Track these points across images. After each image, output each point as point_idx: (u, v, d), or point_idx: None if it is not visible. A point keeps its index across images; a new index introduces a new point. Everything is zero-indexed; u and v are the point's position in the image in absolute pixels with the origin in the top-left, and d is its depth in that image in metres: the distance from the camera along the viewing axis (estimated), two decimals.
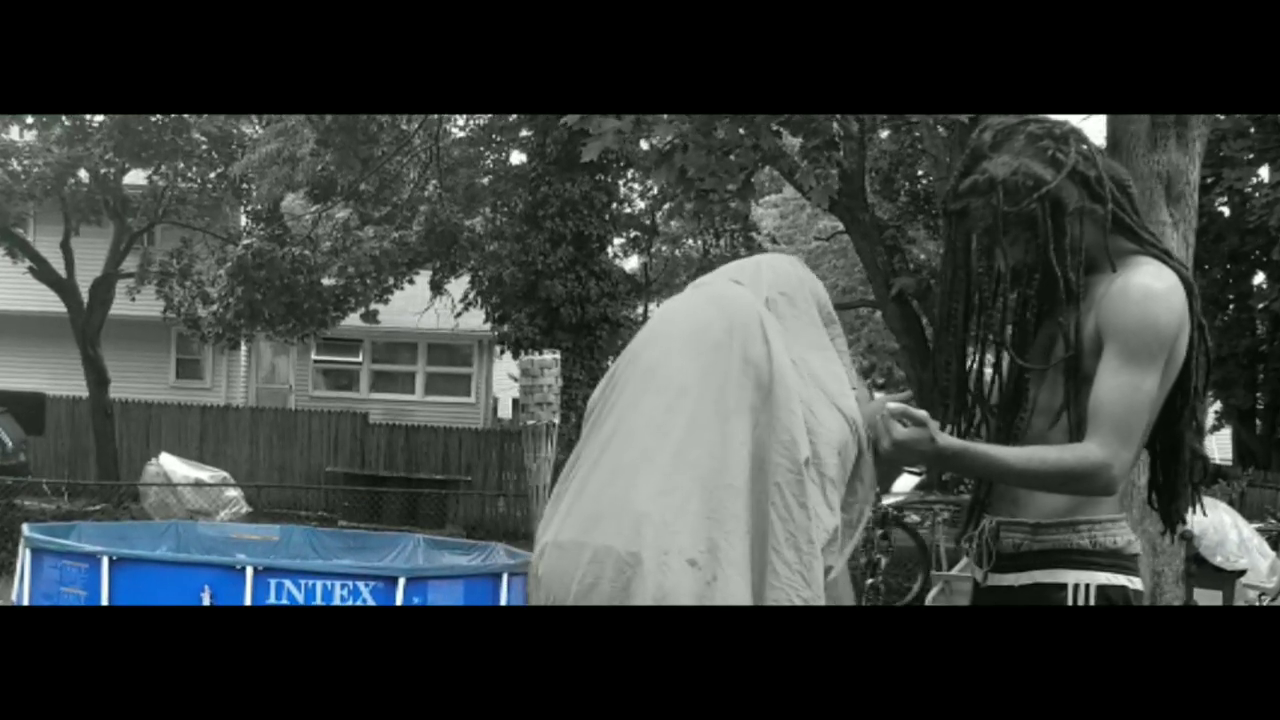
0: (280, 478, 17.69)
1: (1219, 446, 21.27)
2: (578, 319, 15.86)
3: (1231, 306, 16.90)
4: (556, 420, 8.46)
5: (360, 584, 5.75)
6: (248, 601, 5.53)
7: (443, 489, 16.41)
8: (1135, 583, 2.39)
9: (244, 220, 18.44)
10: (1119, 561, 2.37)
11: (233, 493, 14.72)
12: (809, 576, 2.22)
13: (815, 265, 18.91)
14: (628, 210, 19.05)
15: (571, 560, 2.24)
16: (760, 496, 2.22)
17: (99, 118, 15.10)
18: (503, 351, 18.86)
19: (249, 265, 15.64)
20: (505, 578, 6.15)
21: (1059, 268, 2.35)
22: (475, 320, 18.79)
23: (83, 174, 16.50)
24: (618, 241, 18.93)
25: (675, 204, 9.51)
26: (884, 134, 13.81)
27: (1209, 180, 13.74)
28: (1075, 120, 2.52)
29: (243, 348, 20.79)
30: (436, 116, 15.10)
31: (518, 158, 17.89)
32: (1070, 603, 2.34)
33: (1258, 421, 17.88)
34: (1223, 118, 12.56)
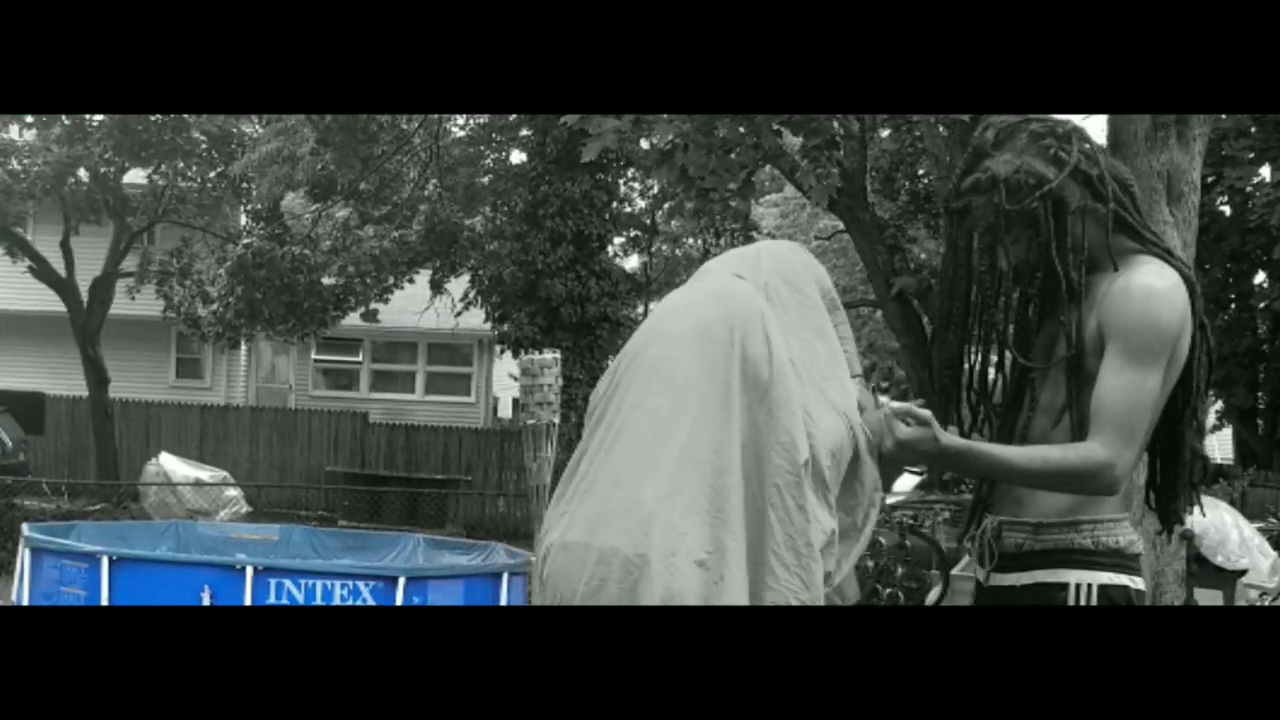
0: (280, 477, 17.70)
1: (1220, 446, 21.28)
2: (578, 318, 15.86)
3: (1232, 306, 16.91)
4: (557, 420, 8.45)
5: (360, 584, 5.75)
6: (248, 601, 5.52)
7: (443, 489, 16.42)
8: (1137, 582, 2.38)
9: (244, 219, 18.44)
10: (1121, 561, 2.36)
11: (232, 492, 14.72)
12: (807, 579, 2.22)
13: None
14: (628, 209, 19.06)
15: (578, 562, 2.24)
16: (756, 496, 2.22)
17: (99, 117, 15.10)
18: (503, 351, 18.88)
19: (249, 264, 15.64)
20: (505, 577, 6.14)
21: (1061, 266, 2.34)
22: (475, 320, 18.80)
23: (82, 173, 16.51)
24: (618, 241, 18.96)
25: (676, 203, 9.50)
26: (884, 133, 13.82)
27: (1210, 179, 13.74)
28: (1076, 119, 2.52)
29: (243, 347, 20.80)
30: (436, 116, 15.10)
31: (518, 157, 17.90)
32: (1072, 602, 2.34)
33: (1259, 421, 17.88)
34: (1224, 117, 12.56)
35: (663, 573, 2.15)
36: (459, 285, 18.26)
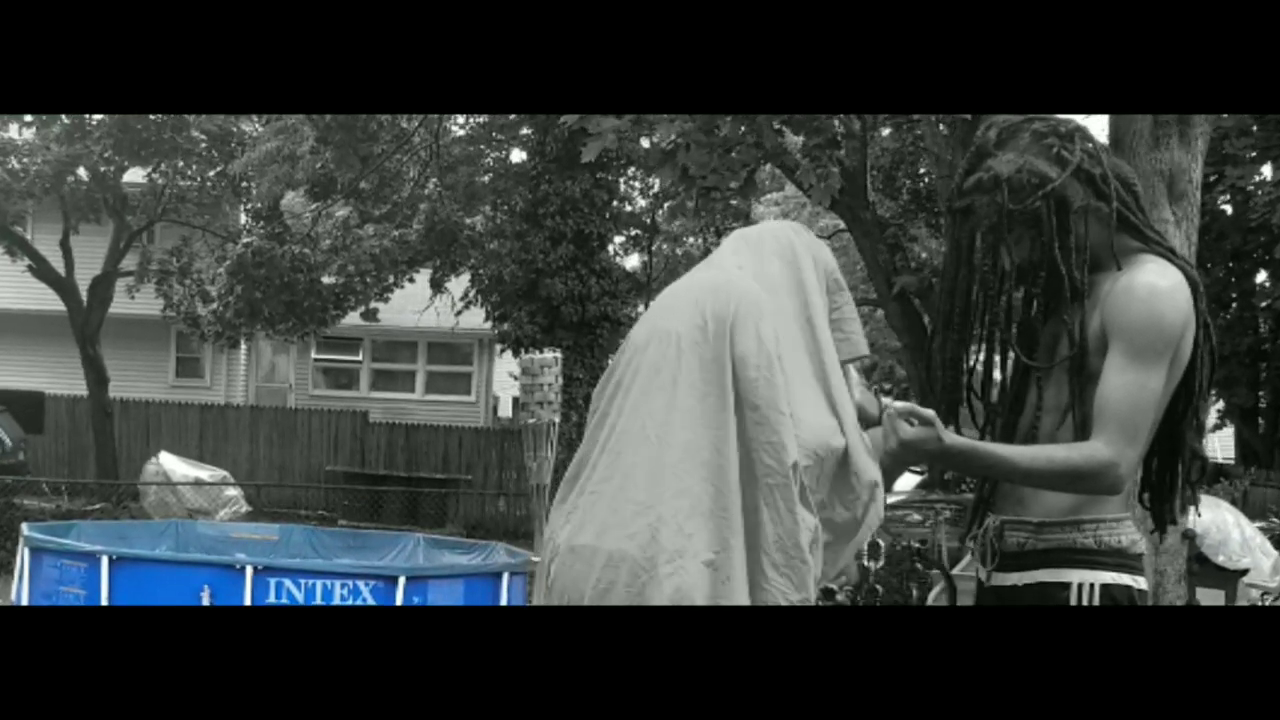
0: (280, 477, 17.70)
1: (1221, 445, 21.27)
2: (578, 317, 15.86)
3: (1234, 305, 16.91)
4: (557, 419, 8.45)
5: (360, 583, 5.73)
6: (247, 601, 5.51)
7: (443, 488, 16.42)
8: (1140, 582, 2.38)
9: (244, 218, 18.45)
10: (1124, 561, 2.36)
11: (232, 492, 14.72)
12: (797, 581, 2.21)
13: None
14: (628, 208, 19.05)
15: (585, 564, 2.24)
16: (750, 495, 2.22)
17: (98, 116, 15.09)
18: (503, 350, 18.87)
19: (249, 263, 15.64)
20: (506, 577, 6.13)
21: (1064, 266, 2.34)
22: (475, 319, 18.80)
23: (82, 172, 16.50)
24: (618, 240, 18.94)
25: (678, 204, 9.51)
26: (885, 132, 13.82)
27: (1211, 178, 13.73)
28: (1078, 119, 2.51)
29: (242, 346, 20.80)
30: (436, 115, 15.09)
31: (518, 155, 17.89)
32: (1074, 602, 2.34)
33: (1260, 420, 17.88)
34: (1225, 116, 12.55)
35: (671, 575, 2.16)
36: (459, 284, 18.25)
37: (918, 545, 7.68)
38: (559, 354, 8.92)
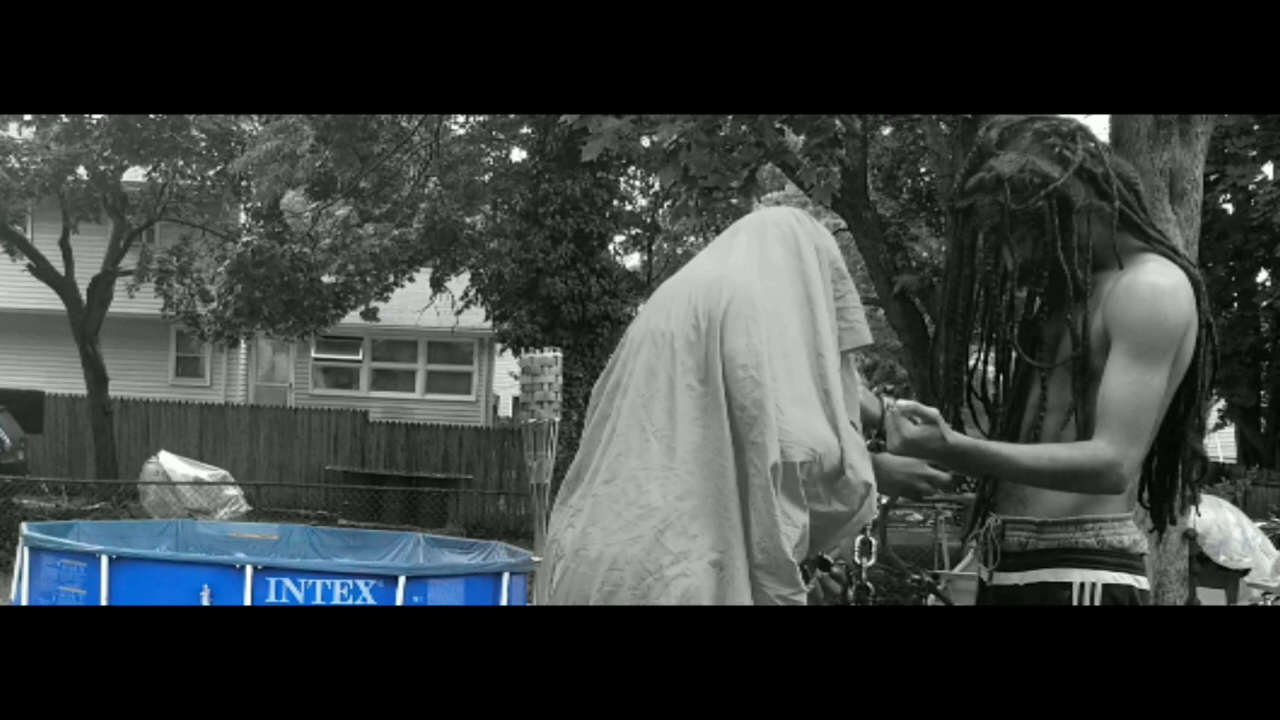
0: (280, 476, 17.70)
1: (1222, 445, 21.26)
2: (579, 317, 15.86)
3: (1235, 304, 16.90)
4: (557, 418, 8.45)
5: (360, 583, 5.73)
6: (247, 601, 5.51)
7: (443, 487, 16.41)
8: (1141, 582, 2.38)
9: (243, 217, 18.44)
10: (1126, 560, 2.35)
11: (232, 491, 14.71)
12: (784, 577, 2.21)
13: None
14: (629, 208, 19.04)
15: (590, 568, 2.24)
16: (743, 492, 2.22)
17: (98, 115, 15.09)
18: (503, 349, 18.87)
19: (248, 263, 15.64)
20: (506, 577, 6.13)
21: (1067, 265, 2.34)
22: (476, 318, 18.79)
23: (81, 171, 16.50)
24: (619, 239, 18.93)
25: (680, 205, 9.54)
26: (886, 131, 13.81)
27: (1212, 177, 13.74)
28: (1079, 118, 2.51)
29: (242, 345, 20.79)
30: (436, 114, 15.09)
31: (518, 154, 17.89)
32: (1076, 602, 2.33)
33: (1261, 420, 17.88)
34: (1226, 115, 12.55)
35: (677, 577, 2.15)
36: (459, 283, 18.25)
37: (931, 581, 7.66)
38: (559, 353, 8.92)
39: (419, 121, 15.47)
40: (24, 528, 6.51)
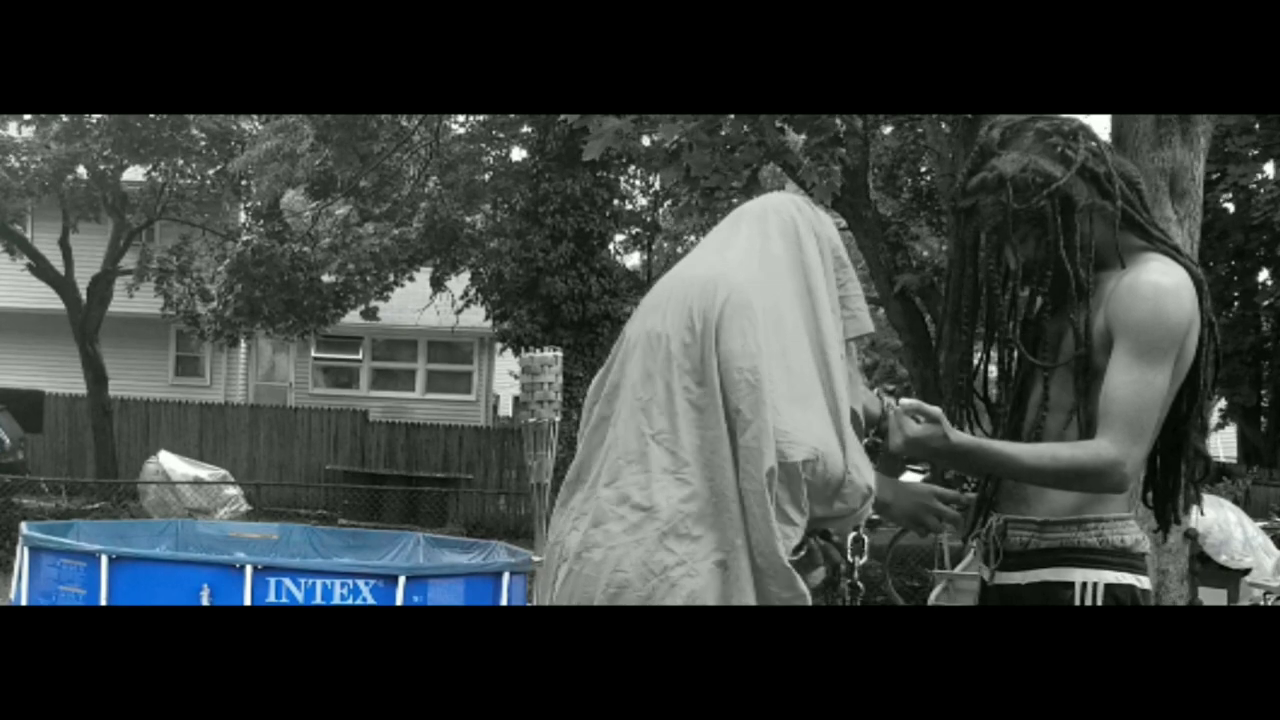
0: (280, 476, 17.70)
1: (1224, 444, 21.25)
2: (579, 316, 15.87)
3: (1236, 303, 16.90)
4: (558, 418, 8.45)
5: (360, 582, 5.73)
6: (247, 600, 5.51)
7: (443, 487, 16.41)
8: (1143, 582, 2.37)
9: (243, 217, 18.44)
10: (1127, 560, 2.35)
11: (232, 491, 14.71)
12: (783, 580, 2.20)
13: None
14: (629, 207, 19.04)
15: (594, 569, 2.23)
16: (743, 495, 2.21)
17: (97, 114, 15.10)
18: (503, 349, 18.87)
19: (248, 262, 15.64)
20: (506, 576, 6.12)
21: (1069, 265, 2.33)
22: (476, 317, 18.79)
23: (81, 170, 16.50)
24: (619, 238, 18.94)
25: (683, 206, 9.55)
26: (887, 130, 13.81)
27: (1213, 177, 13.73)
28: (1081, 118, 2.50)
29: (242, 345, 20.79)
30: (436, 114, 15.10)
31: (518, 154, 17.89)
32: (1078, 602, 2.33)
33: (1262, 419, 17.88)
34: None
35: (682, 578, 2.15)
36: (459, 283, 18.25)
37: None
38: (559, 353, 8.91)
39: (419, 121, 15.47)
40: (24, 527, 6.51)
